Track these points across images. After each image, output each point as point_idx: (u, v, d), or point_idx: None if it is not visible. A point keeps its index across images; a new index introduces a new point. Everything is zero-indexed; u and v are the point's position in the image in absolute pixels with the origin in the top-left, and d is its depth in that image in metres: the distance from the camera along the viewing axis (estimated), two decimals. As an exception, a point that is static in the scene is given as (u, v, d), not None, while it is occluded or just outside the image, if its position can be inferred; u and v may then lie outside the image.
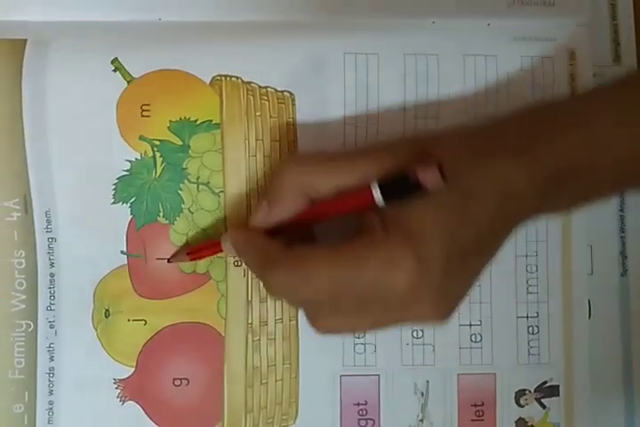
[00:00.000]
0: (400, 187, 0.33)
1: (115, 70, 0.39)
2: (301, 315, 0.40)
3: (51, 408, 0.40)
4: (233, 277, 0.40)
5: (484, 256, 0.35)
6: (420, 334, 0.41)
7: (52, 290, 0.40)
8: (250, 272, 0.40)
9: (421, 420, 0.41)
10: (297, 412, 0.41)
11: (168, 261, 0.40)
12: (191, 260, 0.39)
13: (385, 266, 0.32)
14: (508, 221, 0.35)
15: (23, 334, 0.39)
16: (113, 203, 0.40)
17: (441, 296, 0.33)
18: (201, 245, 0.39)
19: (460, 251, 0.33)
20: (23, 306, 0.39)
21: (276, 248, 0.35)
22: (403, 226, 0.33)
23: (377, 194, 0.33)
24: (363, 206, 0.34)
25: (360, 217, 0.35)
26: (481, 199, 0.34)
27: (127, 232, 0.40)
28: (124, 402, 0.40)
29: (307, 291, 0.33)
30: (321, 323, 0.35)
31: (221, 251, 0.38)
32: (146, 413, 0.40)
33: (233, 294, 0.40)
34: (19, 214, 0.39)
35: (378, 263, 0.32)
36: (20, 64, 0.38)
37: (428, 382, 0.41)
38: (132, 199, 0.40)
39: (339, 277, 0.33)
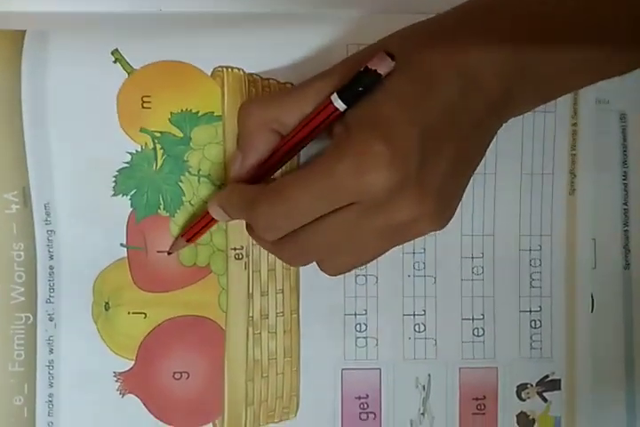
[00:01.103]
0: (356, 86, 0.33)
1: (115, 61, 0.39)
2: (303, 308, 0.40)
3: (50, 401, 0.39)
4: (234, 270, 0.40)
5: (460, 142, 0.33)
6: (423, 327, 0.41)
7: (51, 283, 0.39)
8: (251, 265, 0.40)
9: (423, 413, 0.41)
10: (298, 405, 0.40)
11: (168, 254, 0.40)
12: (189, 242, 0.39)
13: (356, 166, 0.31)
14: (476, 107, 0.33)
15: (23, 327, 0.39)
16: (113, 195, 0.39)
17: (424, 187, 0.32)
18: (192, 224, 0.39)
19: (432, 134, 0.32)
20: (22, 299, 0.39)
21: (256, 190, 0.35)
22: (364, 122, 0.32)
23: (337, 101, 0.33)
24: (330, 120, 0.34)
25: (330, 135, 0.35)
26: (442, 81, 0.33)
27: (127, 225, 0.39)
28: (123, 395, 0.40)
29: (292, 218, 0.33)
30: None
31: (213, 220, 0.38)
32: (146, 406, 0.40)
33: (234, 287, 0.40)
34: (17, 207, 0.39)
35: (348, 166, 0.31)
36: (20, 55, 0.38)
37: (429, 375, 0.41)
38: (133, 191, 0.39)
39: (316, 194, 0.32)
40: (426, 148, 0.32)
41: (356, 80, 0.33)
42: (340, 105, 0.34)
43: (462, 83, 0.33)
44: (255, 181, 0.37)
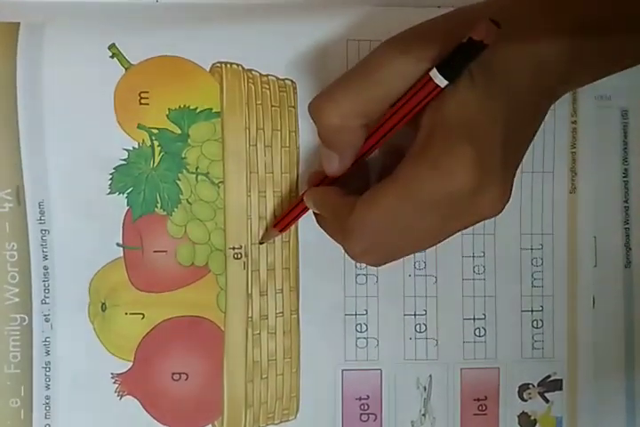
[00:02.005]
0: (461, 59, 0.30)
1: (112, 56, 0.38)
2: (303, 308, 0.40)
3: (47, 403, 0.39)
4: (232, 270, 0.39)
5: (530, 132, 0.34)
6: (424, 328, 0.40)
7: (46, 283, 0.38)
8: (250, 265, 0.39)
9: (424, 414, 0.40)
10: (298, 406, 0.40)
11: (260, 244, 0.39)
12: (282, 232, 0.39)
13: (443, 174, 0.31)
14: (540, 98, 0.34)
15: (18, 328, 0.38)
16: (109, 193, 0.39)
17: (505, 184, 0.32)
18: (283, 213, 0.39)
19: (512, 131, 0.32)
20: (17, 299, 0.38)
21: (350, 201, 0.34)
22: (447, 122, 0.31)
23: (437, 77, 0.31)
24: (430, 99, 0.32)
25: (400, 140, 0.34)
26: (515, 75, 0.32)
27: (123, 224, 0.39)
28: (121, 397, 0.39)
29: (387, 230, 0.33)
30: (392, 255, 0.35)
31: (305, 209, 0.38)
32: (144, 408, 0.39)
33: (232, 287, 0.39)
34: (11, 205, 0.38)
35: (435, 176, 0.31)
36: (14, 49, 0.37)
37: (430, 376, 0.40)
38: (129, 189, 0.39)
39: (411, 204, 0.32)
40: (507, 146, 0.32)
41: (458, 53, 0.30)
42: (440, 81, 0.31)
43: (532, 73, 0.32)
44: (348, 175, 0.36)
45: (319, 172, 0.37)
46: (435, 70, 0.31)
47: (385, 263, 0.35)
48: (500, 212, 0.33)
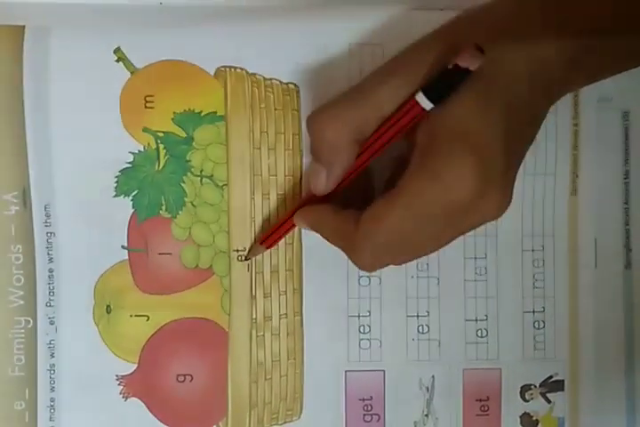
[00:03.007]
0: (445, 84, 0.31)
1: (117, 60, 0.38)
2: (306, 310, 0.40)
3: (52, 405, 0.39)
4: (236, 271, 0.39)
5: (530, 135, 0.34)
6: (426, 329, 0.41)
7: (51, 286, 0.39)
8: (254, 266, 0.40)
9: (426, 415, 0.41)
10: (301, 407, 0.40)
11: (246, 259, 0.39)
12: (267, 248, 0.39)
13: (445, 185, 0.31)
14: (539, 100, 0.34)
15: (23, 331, 0.38)
16: (114, 196, 0.39)
17: (506, 188, 0.32)
18: (271, 230, 0.39)
19: (512, 136, 0.32)
20: (22, 302, 0.39)
21: (349, 217, 0.34)
22: (448, 132, 0.32)
23: (423, 100, 0.32)
24: (416, 121, 0.32)
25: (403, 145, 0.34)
26: (515, 80, 0.32)
27: (128, 226, 0.39)
28: (126, 399, 0.39)
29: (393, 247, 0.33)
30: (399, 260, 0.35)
31: (293, 227, 0.38)
32: (149, 409, 0.39)
33: (236, 289, 0.40)
34: (17, 208, 0.38)
35: (437, 188, 0.31)
36: (21, 53, 0.37)
37: (433, 377, 0.41)
38: (134, 192, 0.39)
39: (415, 218, 0.32)
40: (509, 152, 0.32)
41: (444, 77, 0.31)
42: (426, 104, 0.32)
43: (531, 76, 0.33)
44: (335, 192, 0.36)
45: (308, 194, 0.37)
46: (421, 93, 0.32)
47: (383, 266, 0.36)
48: (501, 215, 0.33)
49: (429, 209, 0.32)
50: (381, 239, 0.33)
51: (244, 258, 0.39)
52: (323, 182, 0.35)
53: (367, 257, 0.34)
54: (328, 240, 0.36)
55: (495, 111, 0.32)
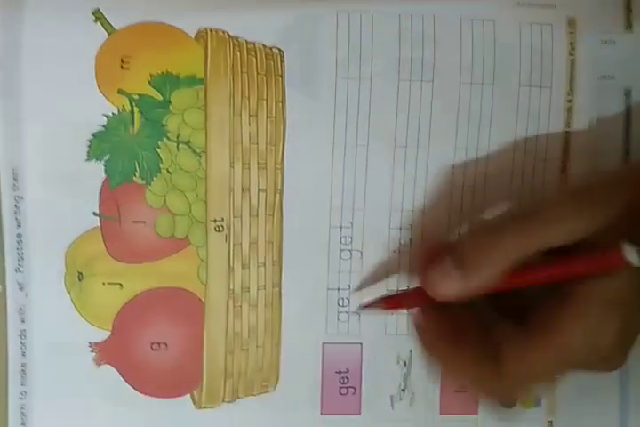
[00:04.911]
0: None
1: (95, 21, 0.35)
2: (285, 281, 0.39)
3: (23, 370, 0.38)
4: (213, 243, 0.38)
5: None
6: (407, 304, 0.40)
7: (19, 251, 0.37)
8: (232, 238, 0.38)
9: (403, 389, 0.40)
10: (277, 379, 0.40)
11: (361, 308, 0.38)
12: (386, 309, 0.38)
13: (596, 346, 0.32)
14: None
15: (-8, 296, 0.38)
16: (87, 160, 0.37)
17: (626, 357, 0.34)
18: (400, 294, 0.38)
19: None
20: (-10, 267, 0.37)
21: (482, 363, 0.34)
22: (604, 298, 0.32)
23: (632, 255, 0.29)
24: (606, 270, 0.31)
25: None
26: None
27: (101, 192, 0.37)
28: (99, 365, 0.39)
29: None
30: None
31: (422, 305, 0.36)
32: (122, 376, 0.39)
33: (214, 260, 0.38)
34: (-17, 170, 0.36)
35: (589, 348, 0.32)
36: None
37: (411, 351, 0.40)
38: (107, 157, 0.37)
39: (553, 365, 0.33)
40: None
41: None
42: (634, 258, 0.29)
43: None
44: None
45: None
46: (629, 246, 0.29)
47: None
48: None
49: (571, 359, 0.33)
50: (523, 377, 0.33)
51: (358, 310, 0.39)
52: (455, 289, 0.33)
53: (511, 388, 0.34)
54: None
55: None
